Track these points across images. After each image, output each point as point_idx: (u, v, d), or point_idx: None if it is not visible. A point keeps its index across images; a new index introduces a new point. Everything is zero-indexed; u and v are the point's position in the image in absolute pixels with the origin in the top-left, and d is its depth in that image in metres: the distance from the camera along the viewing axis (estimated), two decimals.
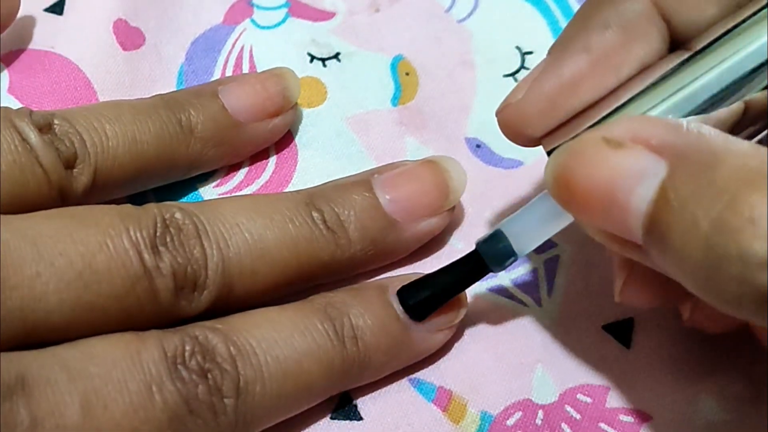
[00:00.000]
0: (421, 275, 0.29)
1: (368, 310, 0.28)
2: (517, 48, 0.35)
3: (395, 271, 0.31)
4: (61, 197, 0.27)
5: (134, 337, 0.25)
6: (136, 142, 0.28)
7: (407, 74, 0.34)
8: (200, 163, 0.31)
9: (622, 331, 0.30)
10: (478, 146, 0.33)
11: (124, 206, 0.27)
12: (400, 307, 0.28)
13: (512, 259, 0.27)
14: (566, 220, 0.26)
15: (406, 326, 0.28)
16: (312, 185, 0.32)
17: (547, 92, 0.26)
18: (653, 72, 0.25)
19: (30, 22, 0.34)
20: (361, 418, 0.28)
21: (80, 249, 0.25)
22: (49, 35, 0.33)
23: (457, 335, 0.30)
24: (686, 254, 0.21)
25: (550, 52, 0.27)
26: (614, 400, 0.29)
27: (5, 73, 0.33)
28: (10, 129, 0.27)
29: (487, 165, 0.33)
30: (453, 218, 0.31)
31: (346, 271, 0.29)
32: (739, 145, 0.22)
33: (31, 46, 0.33)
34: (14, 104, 0.32)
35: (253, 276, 0.27)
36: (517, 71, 0.35)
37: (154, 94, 0.33)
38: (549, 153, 0.26)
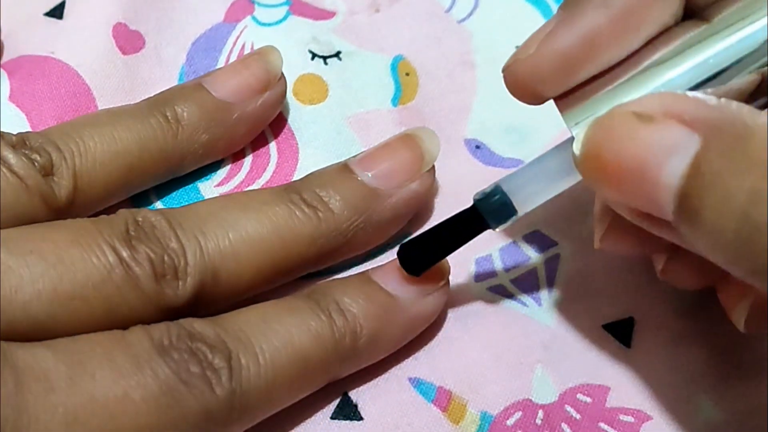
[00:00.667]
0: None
1: (351, 288, 0.28)
2: (517, 48, 0.35)
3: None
4: (46, 205, 0.27)
5: (119, 331, 0.25)
6: (116, 141, 0.28)
7: (407, 74, 0.34)
8: (193, 153, 0.30)
9: (622, 330, 0.30)
10: (477, 147, 0.33)
11: (98, 217, 0.27)
12: (386, 280, 0.28)
13: (513, 217, 0.27)
14: (571, 180, 0.26)
15: (393, 294, 0.28)
16: None
17: (563, 48, 0.25)
18: (672, 38, 0.25)
19: (30, 26, 0.34)
20: (361, 418, 0.28)
21: (50, 246, 0.25)
22: (49, 40, 0.33)
23: (457, 335, 0.30)
24: (719, 227, 0.21)
25: (562, 7, 0.25)
26: (614, 400, 0.29)
27: (6, 80, 0.33)
28: None
29: (486, 165, 0.33)
30: None
31: (338, 245, 0.29)
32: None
33: (32, 51, 0.33)
34: (15, 111, 0.32)
35: (237, 260, 0.27)
36: None
37: None
38: (565, 116, 0.25)
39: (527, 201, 0.27)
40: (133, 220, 0.26)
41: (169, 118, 0.30)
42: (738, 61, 0.24)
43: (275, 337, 0.26)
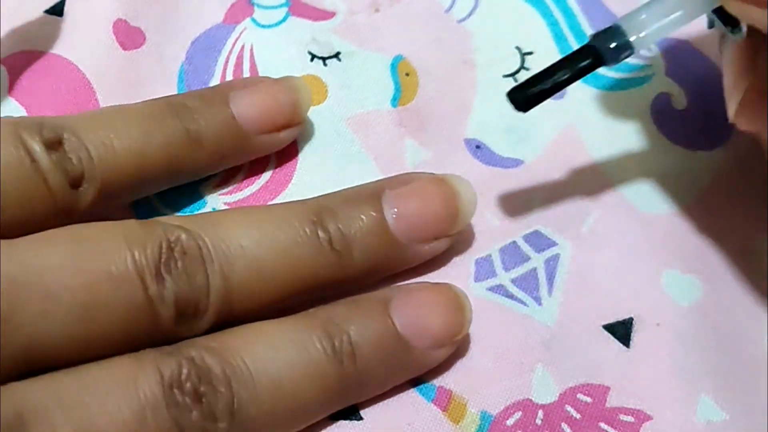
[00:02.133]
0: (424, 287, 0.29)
1: (368, 327, 0.27)
2: (517, 48, 0.35)
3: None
4: (65, 214, 0.27)
5: (131, 362, 0.25)
6: (143, 156, 0.28)
7: (407, 75, 0.34)
8: (204, 171, 0.31)
9: (622, 330, 0.30)
10: (477, 147, 0.33)
11: (129, 225, 0.26)
12: (400, 322, 0.27)
13: (628, 52, 0.27)
14: (682, 18, 0.26)
15: (407, 343, 0.28)
16: (312, 184, 0.32)
17: None
18: None
19: (30, 24, 0.34)
20: (360, 418, 0.28)
21: (86, 280, 0.25)
22: (49, 37, 0.33)
23: None
24: None
25: None
26: (614, 399, 0.29)
27: (6, 75, 0.33)
28: (20, 147, 0.26)
29: (487, 165, 0.33)
30: None
31: (345, 288, 0.29)
32: None
33: (32, 47, 0.33)
34: (15, 106, 0.32)
35: (252, 296, 0.27)
36: (517, 71, 0.35)
37: (154, 93, 0.33)
38: None
39: (643, 39, 0.27)
40: (167, 241, 0.26)
41: (191, 136, 0.29)
42: None
43: (281, 383, 0.26)
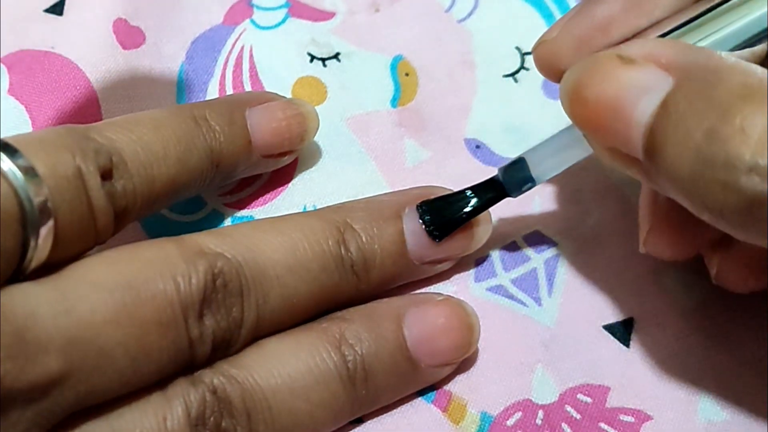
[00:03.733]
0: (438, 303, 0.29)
1: (382, 349, 0.27)
2: (517, 48, 0.35)
3: None
4: (96, 232, 0.26)
5: (161, 400, 0.25)
6: (174, 182, 0.28)
7: (407, 75, 0.34)
8: (211, 186, 0.30)
9: (622, 330, 0.30)
10: (477, 147, 0.33)
11: (172, 254, 0.26)
12: (411, 341, 0.28)
13: (529, 185, 0.29)
14: (582, 152, 0.27)
15: (416, 362, 0.28)
16: (312, 184, 0.32)
17: (579, 33, 0.27)
18: (681, 16, 0.26)
19: (30, 23, 0.34)
20: (361, 420, 0.28)
21: (137, 333, 0.24)
22: (48, 36, 0.33)
23: None
24: (678, 163, 0.22)
25: None
26: (614, 400, 0.29)
27: (5, 74, 0.33)
28: (78, 177, 0.25)
29: (486, 165, 0.33)
30: None
31: (357, 302, 0.29)
32: (744, 65, 0.23)
33: (31, 46, 0.33)
34: (15, 105, 0.32)
35: (280, 325, 0.27)
36: (517, 71, 0.35)
37: (154, 92, 0.33)
38: None
39: (545, 172, 0.28)
40: (211, 275, 0.26)
41: (213, 156, 0.29)
42: (748, 38, 0.25)
43: (298, 415, 0.26)
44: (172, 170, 0.28)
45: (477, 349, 0.29)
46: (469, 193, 0.29)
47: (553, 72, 0.28)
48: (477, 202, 0.29)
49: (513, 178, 0.29)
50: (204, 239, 0.27)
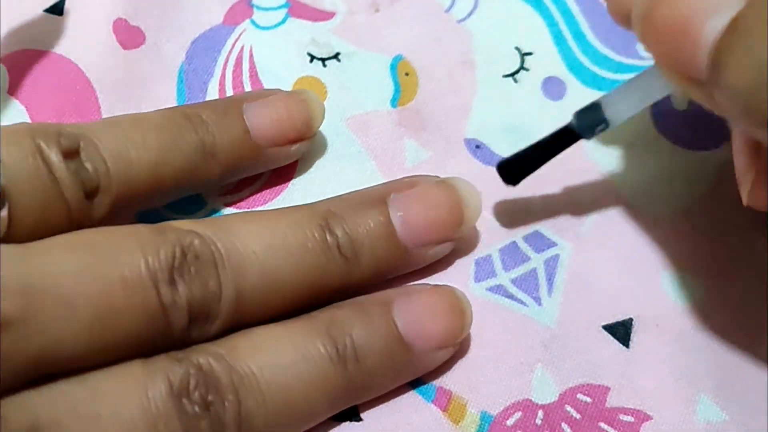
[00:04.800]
0: (425, 289, 0.29)
1: (371, 331, 0.27)
2: (517, 48, 0.35)
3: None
4: (78, 224, 0.27)
5: (142, 370, 0.25)
6: (158, 168, 0.28)
7: (407, 75, 0.34)
8: (216, 183, 0.30)
9: (622, 331, 0.30)
10: (477, 147, 0.33)
11: (141, 231, 0.26)
12: (402, 324, 0.28)
13: (602, 126, 0.29)
14: (656, 93, 0.28)
15: (408, 345, 0.28)
16: (312, 184, 0.32)
17: None
18: None
19: (30, 23, 0.34)
20: (360, 419, 0.28)
21: (100, 287, 0.24)
22: (48, 36, 0.33)
23: None
24: (740, 80, 0.22)
25: None
26: (614, 399, 0.29)
27: (5, 74, 0.33)
28: (37, 156, 0.26)
29: (486, 165, 0.33)
30: None
31: (352, 294, 0.29)
32: None
33: (31, 46, 0.33)
34: (15, 105, 0.32)
35: (262, 302, 0.27)
36: (517, 71, 0.35)
37: (154, 92, 0.33)
38: None
39: (619, 114, 0.29)
40: (180, 247, 0.26)
41: (206, 151, 0.29)
42: None
43: (288, 390, 0.26)
44: (153, 155, 0.28)
45: (477, 348, 0.29)
46: (544, 140, 0.30)
47: (625, 18, 0.27)
48: (549, 142, 0.30)
49: (587, 121, 0.29)
50: (178, 221, 0.27)
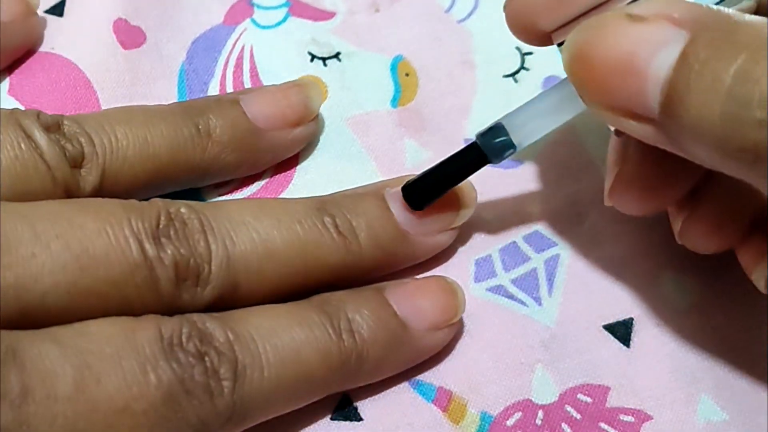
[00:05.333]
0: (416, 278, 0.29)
1: (365, 307, 0.27)
2: (517, 48, 0.35)
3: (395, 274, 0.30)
4: (68, 196, 0.27)
5: (130, 319, 0.25)
6: (148, 144, 0.28)
7: (407, 75, 0.34)
8: (217, 169, 0.30)
9: (622, 330, 0.30)
10: None
11: (129, 200, 0.26)
12: (396, 305, 0.28)
13: (511, 151, 0.28)
14: (565, 115, 0.27)
15: (404, 323, 0.28)
16: (312, 185, 0.32)
17: None
18: None
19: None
20: (361, 419, 0.28)
21: (78, 233, 0.25)
22: (49, 36, 0.33)
23: (457, 335, 0.30)
24: (706, 111, 0.22)
25: None
26: (614, 399, 0.29)
27: (4, 74, 0.33)
28: (15, 127, 0.27)
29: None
30: None
31: (354, 278, 0.29)
32: (755, 17, 0.22)
33: (32, 47, 0.33)
34: (15, 105, 0.32)
35: (260, 275, 0.27)
36: (517, 71, 0.35)
37: (155, 92, 0.33)
38: (559, 46, 0.27)
39: (525, 137, 0.28)
40: (166, 212, 0.26)
41: (201, 131, 0.29)
42: None
43: (284, 350, 0.26)
44: (141, 129, 0.28)
45: (477, 349, 0.29)
46: (449, 161, 0.29)
47: (529, 29, 0.27)
48: (457, 169, 0.29)
49: (492, 144, 0.28)
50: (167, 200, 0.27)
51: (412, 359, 0.29)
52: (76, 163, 0.27)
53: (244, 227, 0.27)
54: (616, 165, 0.28)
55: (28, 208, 0.25)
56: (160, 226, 0.26)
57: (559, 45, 0.27)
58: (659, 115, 0.23)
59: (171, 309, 0.26)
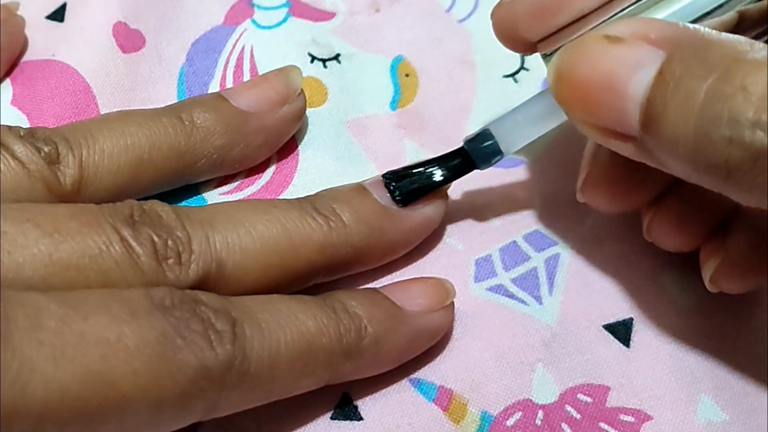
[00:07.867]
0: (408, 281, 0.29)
1: (357, 293, 0.28)
2: None
3: (394, 273, 0.31)
4: (50, 191, 0.27)
5: (117, 289, 0.25)
6: (125, 135, 0.28)
7: (407, 76, 0.34)
8: (209, 157, 0.30)
9: (622, 330, 0.30)
10: None
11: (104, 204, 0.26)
12: (390, 294, 0.28)
13: (498, 157, 0.29)
14: (551, 122, 0.28)
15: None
16: (312, 186, 0.32)
17: None
18: None
19: (31, 30, 0.34)
20: (361, 419, 0.28)
21: (49, 218, 0.25)
22: (50, 43, 0.33)
23: (457, 334, 0.30)
24: (680, 127, 0.23)
25: None
26: (614, 399, 0.29)
27: (8, 85, 0.33)
28: None
29: None
30: (452, 218, 0.31)
31: (346, 258, 0.29)
32: (730, 35, 0.23)
33: (33, 55, 0.33)
34: (17, 115, 0.32)
35: (243, 252, 0.27)
36: (517, 72, 0.35)
37: (154, 95, 0.33)
38: (544, 57, 0.28)
39: (513, 143, 0.29)
40: (140, 207, 0.26)
41: (184, 119, 0.30)
42: (712, 4, 0.26)
43: (280, 316, 0.26)
44: (118, 123, 0.29)
45: (478, 348, 0.30)
46: (436, 162, 0.30)
47: (514, 38, 0.28)
48: (444, 172, 0.29)
49: (479, 150, 0.29)
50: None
51: (412, 341, 0.28)
52: (52, 160, 0.27)
53: (221, 215, 0.27)
54: (588, 165, 0.29)
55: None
56: (134, 217, 0.26)
57: (544, 56, 0.28)
58: (639, 132, 0.24)
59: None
